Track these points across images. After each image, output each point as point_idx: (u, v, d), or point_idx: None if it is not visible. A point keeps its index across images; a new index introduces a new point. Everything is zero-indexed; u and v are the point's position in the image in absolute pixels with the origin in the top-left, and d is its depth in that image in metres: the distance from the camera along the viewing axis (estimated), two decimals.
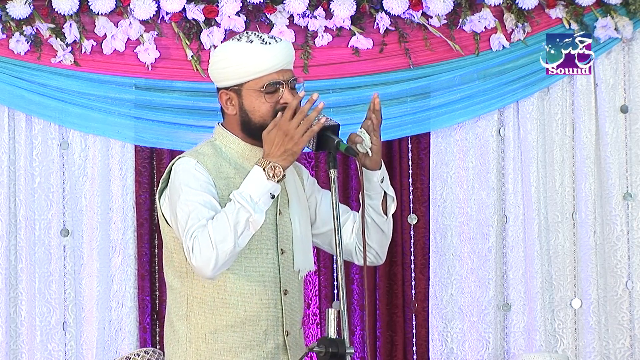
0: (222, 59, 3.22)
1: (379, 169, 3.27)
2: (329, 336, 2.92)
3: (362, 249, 3.36)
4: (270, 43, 3.18)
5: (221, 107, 3.27)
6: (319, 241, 3.43)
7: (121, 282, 5.09)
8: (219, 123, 3.30)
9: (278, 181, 3.10)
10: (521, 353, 5.14)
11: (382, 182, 3.28)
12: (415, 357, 5.25)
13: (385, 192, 3.30)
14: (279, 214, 3.27)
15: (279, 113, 3.15)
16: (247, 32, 3.25)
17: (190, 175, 3.15)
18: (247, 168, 3.20)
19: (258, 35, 3.20)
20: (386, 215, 3.33)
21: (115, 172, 5.09)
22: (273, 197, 3.10)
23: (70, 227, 5.07)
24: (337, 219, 3.06)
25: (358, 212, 3.37)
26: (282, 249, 3.26)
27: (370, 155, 3.23)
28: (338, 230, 3.05)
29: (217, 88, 3.27)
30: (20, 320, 5.04)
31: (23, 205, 5.02)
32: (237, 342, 3.21)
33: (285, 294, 3.26)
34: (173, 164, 3.22)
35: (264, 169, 3.10)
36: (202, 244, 3.04)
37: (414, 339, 5.26)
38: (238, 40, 3.21)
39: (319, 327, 5.06)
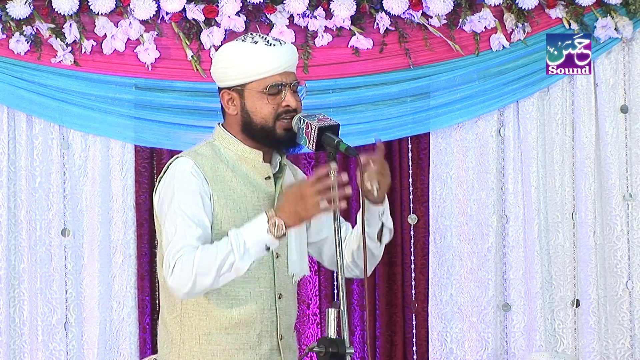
0: (226, 58, 3.21)
1: (382, 204, 3.25)
2: (329, 336, 2.92)
3: (354, 264, 3.35)
4: (274, 45, 3.18)
5: (222, 107, 3.26)
6: (310, 250, 3.41)
7: (122, 282, 5.09)
8: (219, 124, 3.29)
9: (277, 237, 3.06)
10: (530, 353, 5.14)
11: (382, 214, 3.26)
12: (414, 357, 5.25)
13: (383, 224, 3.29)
14: None
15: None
16: (251, 34, 3.24)
17: (185, 180, 3.14)
18: (244, 170, 3.20)
19: (262, 37, 3.20)
20: (380, 242, 3.32)
21: (116, 172, 5.09)
22: (268, 249, 3.07)
23: (71, 227, 5.07)
24: (337, 219, 3.06)
25: (357, 215, 3.36)
26: (277, 253, 3.24)
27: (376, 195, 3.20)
28: (338, 230, 3.05)
29: (218, 88, 3.26)
30: (21, 320, 5.04)
31: (24, 205, 5.03)
32: (230, 344, 3.21)
33: (279, 298, 3.25)
34: (170, 164, 3.21)
35: (268, 220, 3.06)
36: (183, 268, 3.04)
37: (414, 339, 5.26)
38: (242, 40, 3.21)
39: (319, 327, 5.06)
